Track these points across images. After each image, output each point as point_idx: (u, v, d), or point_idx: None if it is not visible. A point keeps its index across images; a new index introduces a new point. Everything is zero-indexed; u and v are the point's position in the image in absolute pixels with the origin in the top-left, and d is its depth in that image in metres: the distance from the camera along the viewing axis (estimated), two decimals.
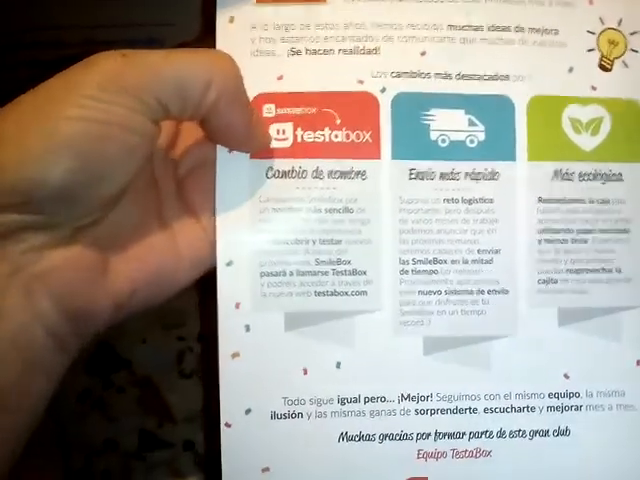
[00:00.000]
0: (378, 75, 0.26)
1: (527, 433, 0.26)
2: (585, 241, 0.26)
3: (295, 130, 0.26)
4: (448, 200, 0.26)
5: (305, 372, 0.25)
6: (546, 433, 0.26)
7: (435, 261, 0.26)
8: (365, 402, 0.25)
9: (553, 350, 0.26)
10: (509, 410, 0.26)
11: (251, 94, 0.25)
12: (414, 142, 0.26)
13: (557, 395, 0.26)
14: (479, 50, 0.26)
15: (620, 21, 0.26)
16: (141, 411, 0.35)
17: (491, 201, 0.26)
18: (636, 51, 0.26)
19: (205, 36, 0.27)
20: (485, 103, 0.26)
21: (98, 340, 0.35)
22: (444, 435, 0.26)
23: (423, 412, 0.26)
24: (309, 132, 0.26)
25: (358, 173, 0.26)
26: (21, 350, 0.21)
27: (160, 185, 0.25)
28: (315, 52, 0.26)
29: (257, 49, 0.26)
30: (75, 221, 0.22)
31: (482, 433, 0.26)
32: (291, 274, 0.25)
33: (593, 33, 0.26)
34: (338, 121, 0.26)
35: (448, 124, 0.26)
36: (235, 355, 0.25)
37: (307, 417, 0.25)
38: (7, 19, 0.34)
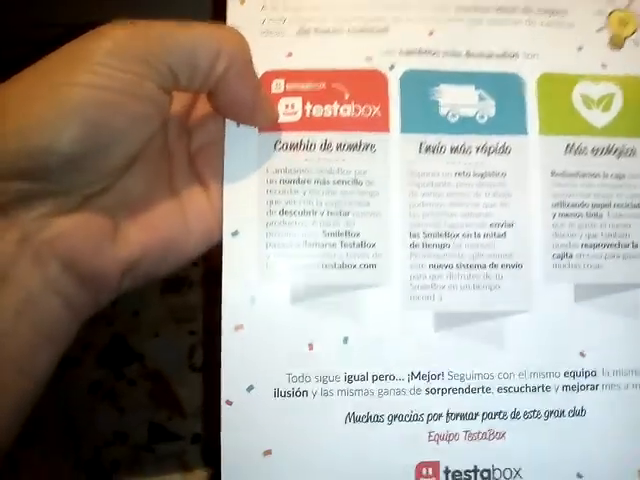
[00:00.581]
0: (387, 53, 0.26)
1: (542, 413, 0.24)
2: (600, 216, 0.25)
3: (304, 105, 0.25)
4: (459, 173, 0.25)
5: (311, 347, 0.24)
6: (562, 413, 0.24)
7: (446, 234, 0.25)
8: (373, 380, 0.24)
9: (569, 327, 0.25)
10: (524, 390, 0.24)
11: (260, 71, 0.25)
12: (423, 117, 0.26)
13: (573, 374, 0.25)
14: (487, 30, 0.26)
15: (630, 2, 0.26)
16: (151, 404, 0.34)
17: (504, 175, 0.25)
18: None
19: (215, 20, 0.27)
20: (495, 80, 0.26)
21: (112, 333, 0.35)
22: (456, 416, 0.24)
23: (434, 391, 0.24)
24: (318, 106, 0.26)
25: (367, 146, 0.25)
26: (32, 316, 0.21)
27: (173, 156, 0.25)
28: (324, 32, 0.26)
29: (267, 29, 0.26)
30: (84, 189, 0.22)
31: (496, 414, 0.24)
32: (297, 245, 0.25)
33: (602, 13, 0.26)
34: (347, 96, 0.26)
35: (458, 100, 0.26)
36: (239, 327, 0.24)
37: (312, 395, 0.24)
38: (7, 15, 0.34)
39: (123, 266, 0.23)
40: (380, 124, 0.26)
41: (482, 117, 0.26)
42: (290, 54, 0.26)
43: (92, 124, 0.20)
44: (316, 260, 0.25)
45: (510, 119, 0.26)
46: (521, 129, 0.26)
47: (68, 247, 0.22)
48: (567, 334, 0.25)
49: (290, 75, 0.26)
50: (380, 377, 0.24)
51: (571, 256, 0.25)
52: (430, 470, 0.24)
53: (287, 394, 0.24)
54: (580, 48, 0.26)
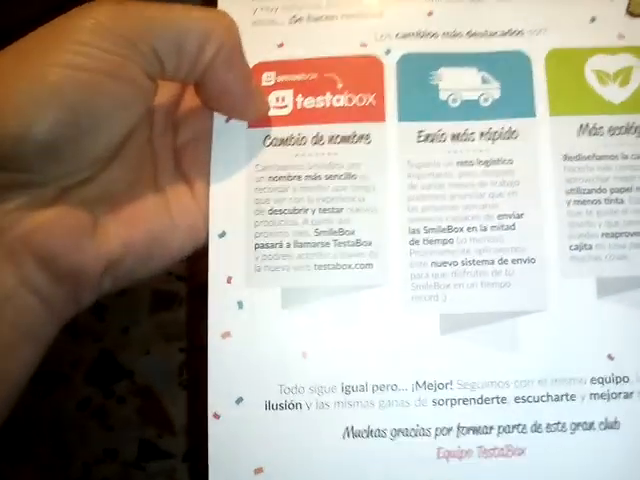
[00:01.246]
0: (382, 37, 0.24)
1: (567, 426, 0.22)
2: (621, 201, 0.23)
3: (295, 97, 0.24)
4: (462, 163, 0.23)
5: (304, 355, 0.22)
6: (590, 426, 0.21)
7: (449, 229, 0.23)
8: (374, 391, 0.22)
9: (592, 327, 0.22)
10: (545, 399, 0.22)
11: (251, 63, 0.23)
12: (422, 103, 0.24)
13: (601, 380, 0.22)
14: (489, 8, 0.24)
15: None
16: (141, 421, 0.34)
17: (510, 162, 0.23)
18: None
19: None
20: (499, 60, 0.24)
21: (100, 349, 0.34)
22: (468, 430, 0.22)
23: (442, 402, 0.22)
24: (309, 98, 0.24)
25: (361, 137, 0.24)
26: (9, 315, 0.20)
27: (157, 151, 0.24)
28: (317, 19, 0.25)
29: (258, 19, 0.25)
30: (61, 180, 0.21)
31: (513, 427, 0.22)
32: (288, 246, 0.23)
33: None
34: (340, 85, 0.24)
35: (459, 83, 0.24)
36: (226, 335, 0.22)
37: (307, 408, 0.22)
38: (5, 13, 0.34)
39: (104, 263, 0.22)
40: (375, 113, 0.24)
41: (486, 100, 0.24)
42: (282, 44, 0.25)
43: (70, 108, 0.19)
44: (308, 261, 0.23)
45: (517, 101, 0.24)
46: (529, 111, 0.23)
47: (44, 242, 0.20)
48: (591, 335, 0.22)
49: (281, 66, 0.24)
50: (381, 387, 0.22)
51: (590, 247, 0.22)
52: None
53: (279, 407, 0.22)
54: (593, 19, 0.24)
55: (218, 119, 0.24)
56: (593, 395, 0.22)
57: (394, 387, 0.22)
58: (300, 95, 0.24)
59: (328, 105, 0.24)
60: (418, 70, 0.24)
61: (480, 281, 0.22)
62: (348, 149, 0.24)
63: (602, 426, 0.22)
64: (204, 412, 0.22)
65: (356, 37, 0.24)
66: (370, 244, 0.23)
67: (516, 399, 0.22)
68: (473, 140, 0.23)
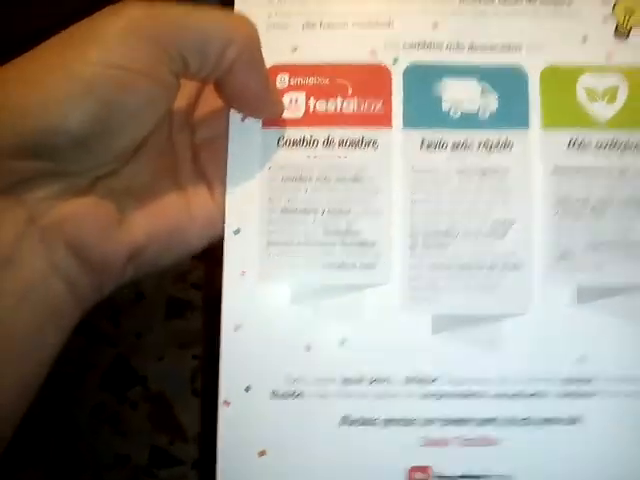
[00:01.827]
0: (390, 46, 0.25)
1: (538, 421, 0.24)
2: (603, 213, 0.25)
3: (307, 100, 0.25)
4: (461, 170, 0.25)
5: (308, 348, 0.24)
6: (557, 421, 0.24)
7: (447, 234, 0.25)
8: (370, 383, 0.24)
9: (569, 331, 0.24)
10: (519, 396, 0.24)
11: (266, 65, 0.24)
12: (426, 112, 0.25)
13: (571, 380, 0.24)
14: (491, 22, 0.26)
15: None
16: (153, 428, 0.34)
17: (505, 171, 0.25)
18: None
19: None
20: (498, 73, 0.25)
21: (115, 354, 0.34)
22: (451, 422, 0.24)
23: (429, 396, 0.24)
24: (321, 101, 0.25)
25: (369, 142, 0.25)
26: (37, 299, 0.21)
27: (176, 148, 0.25)
28: (329, 26, 0.26)
29: (273, 23, 0.26)
30: (93, 170, 0.22)
31: (490, 420, 0.24)
32: (298, 244, 0.24)
33: (608, 3, 0.26)
34: (350, 91, 0.25)
35: (460, 94, 0.25)
36: (238, 327, 0.24)
37: (308, 397, 0.24)
38: (9, 18, 0.34)
39: (128, 252, 0.23)
40: (382, 119, 0.25)
41: (484, 112, 0.25)
42: (295, 48, 0.25)
43: (104, 103, 0.20)
44: (316, 260, 0.24)
45: (512, 113, 0.25)
46: (523, 123, 0.25)
47: (75, 230, 0.21)
48: (566, 338, 0.24)
49: (294, 70, 0.25)
50: (376, 380, 0.24)
51: (573, 256, 0.25)
52: (422, 475, 0.24)
53: (283, 396, 0.24)
54: (585, 39, 0.25)
55: (234, 118, 0.25)
56: (563, 394, 0.24)
57: (387, 380, 0.24)
58: (312, 98, 0.25)
59: (339, 109, 0.25)
60: (423, 80, 0.25)
61: (472, 285, 0.24)
62: (357, 153, 0.25)
63: (568, 422, 0.24)
64: (215, 420, 0.23)
65: (366, 45, 0.25)
66: (374, 245, 0.25)
67: (495, 395, 0.24)
68: (472, 149, 0.25)
